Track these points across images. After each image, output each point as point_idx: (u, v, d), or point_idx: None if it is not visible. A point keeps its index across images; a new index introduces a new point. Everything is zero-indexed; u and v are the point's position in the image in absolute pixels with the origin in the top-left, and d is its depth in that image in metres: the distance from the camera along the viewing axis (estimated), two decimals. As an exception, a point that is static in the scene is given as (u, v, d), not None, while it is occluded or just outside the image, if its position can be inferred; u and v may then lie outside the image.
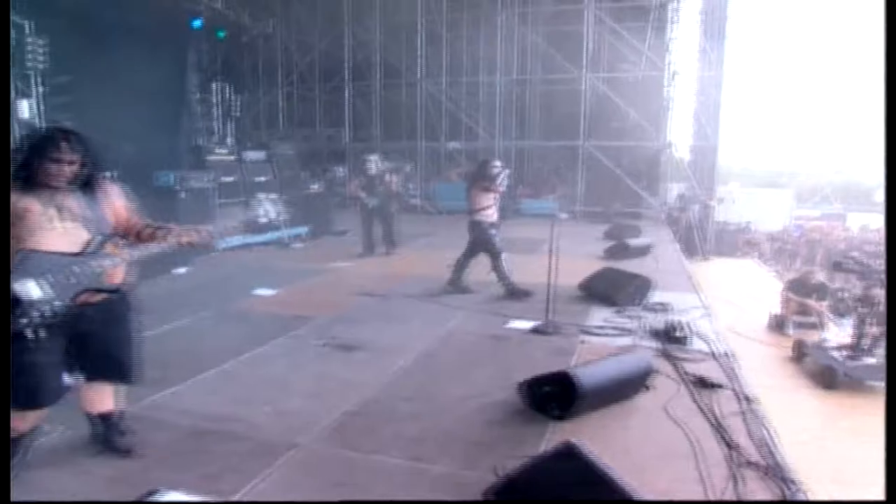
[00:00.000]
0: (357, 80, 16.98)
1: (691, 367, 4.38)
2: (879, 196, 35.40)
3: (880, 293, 6.65)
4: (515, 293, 6.54)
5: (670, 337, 4.93)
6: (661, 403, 3.77)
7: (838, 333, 7.58)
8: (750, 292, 11.78)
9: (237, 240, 9.81)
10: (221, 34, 15.57)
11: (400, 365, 4.48)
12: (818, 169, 38.90)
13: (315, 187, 12.27)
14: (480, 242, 6.73)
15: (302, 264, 8.72)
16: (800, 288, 8.42)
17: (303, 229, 11.40)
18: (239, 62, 17.00)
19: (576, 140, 15.02)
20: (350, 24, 16.51)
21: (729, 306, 9.94)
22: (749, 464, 3.02)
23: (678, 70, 14.70)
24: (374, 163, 9.47)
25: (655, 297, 6.41)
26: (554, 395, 3.51)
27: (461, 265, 6.91)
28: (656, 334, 5.07)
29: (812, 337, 7.70)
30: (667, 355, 4.64)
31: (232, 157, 10.04)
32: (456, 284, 6.84)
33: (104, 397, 3.00)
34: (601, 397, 3.55)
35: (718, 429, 3.41)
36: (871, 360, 6.32)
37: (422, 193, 16.79)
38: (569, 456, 2.47)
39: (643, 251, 9.24)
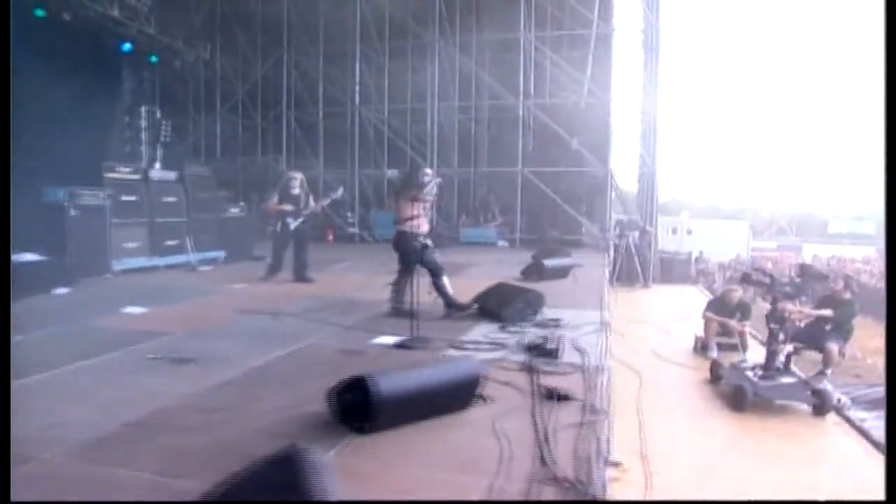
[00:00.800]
0: (298, 107, 16.68)
1: (554, 381, 3.95)
2: (834, 227, 36.17)
3: (791, 308, 6.35)
4: (455, 307, 6.14)
5: (540, 350, 4.50)
6: (495, 415, 3.32)
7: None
8: (685, 317, 11.41)
9: (140, 261, 9.30)
10: (153, 58, 15.24)
11: (225, 377, 3.99)
12: (774, 201, 39.63)
13: (235, 211, 11.80)
14: (407, 254, 6.10)
15: (197, 285, 8.21)
16: (720, 307, 8.08)
17: (218, 253, 10.90)
18: (174, 88, 16.63)
19: (514, 167, 14.80)
20: (290, 50, 16.29)
21: (659, 331, 9.61)
22: (554, 479, 2.56)
23: (618, 98, 14.62)
24: (300, 182, 8.92)
25: (556, 314, 6.03)
26: (357, 405, 3.03)
27: (399, 285, 6.22)
28: (528, 348, 4.63)
29: (732, 358, 7.32)
30: (528, 368, 4.21)
31: (136, 176, 9.51)
32: (398, 308, 6.05)
33: None
34: (411, 407, 3.08)
35: (540, 443, 2.96)
36: (787, 380, 5.93)
37: (359, 222, 16.40)
38: (285, 463, 2.00)
39: (562, 272, 8.88)
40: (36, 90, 10.33)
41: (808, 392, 5.70)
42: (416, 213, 6.11)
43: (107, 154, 10.74)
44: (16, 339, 4.61)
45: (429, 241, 6.17)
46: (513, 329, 5.36)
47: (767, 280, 5.71)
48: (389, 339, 4.98)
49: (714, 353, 7.73)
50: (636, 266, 13.93)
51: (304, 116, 16.74)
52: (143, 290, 7.60)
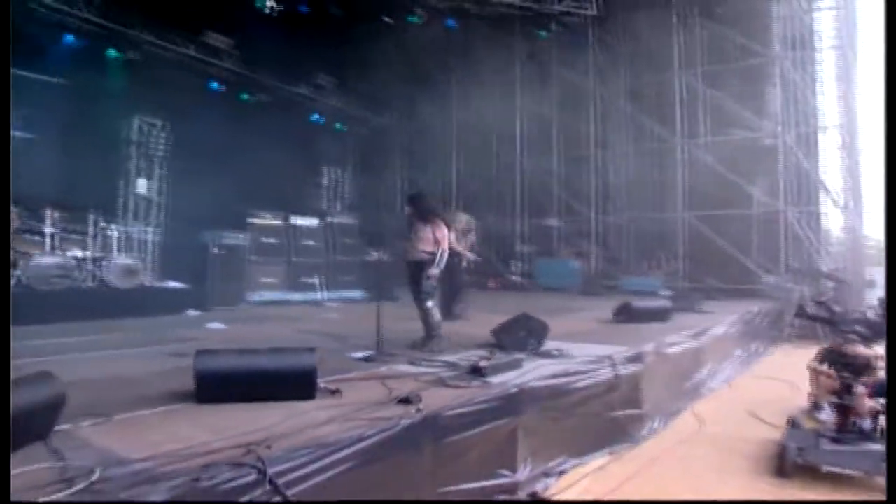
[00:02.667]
0: (468, 160, 17.66)
1: (449, 393, 3.81)
2: None
3: (866, 352, 4.99)
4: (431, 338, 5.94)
5: (474, 369, 4.30)
6: (322, 405, 3.36)
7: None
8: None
9: (275, 295, 10.69)
10: (340, 126, 17.62)
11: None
12: None
13: (377, 255, 12.87)
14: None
15: (301, 314, 9.17)
16: (837, 360, 6.53)
17: (356, 293, 11.98)
18: (365, 150, 18.82)
19: (673, 212, 13.77)
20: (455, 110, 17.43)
21: (787, 388, 8.03)
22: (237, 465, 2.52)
23: (794, 131, 12.83)
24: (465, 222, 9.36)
25: (572, 347, 5.63)
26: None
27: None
28: (472, 369, 4.43)
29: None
30: (441, 381, 4.09)
31: (278, 222, 11.06)
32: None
33: None
34: (233, 385, 3.31)
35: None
36: (858, 447, 4.70)
37: (523, 270, 16.55)
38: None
39: (656, 315, 8.05)
40: (237, 156, 12.84)
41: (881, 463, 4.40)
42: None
43: (287, 204, 12.70)
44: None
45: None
46: (496, 354, 5.13)
47: (826, 314, 4.62)
48: (359, 354, 5.17)
49: (825, 416, 6.28)
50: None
51: (474, 169, 17.62)
52: (250, 315, 8.78)
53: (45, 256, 7.83)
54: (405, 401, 3.42)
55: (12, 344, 4.47)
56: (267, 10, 12.10)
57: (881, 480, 4.38)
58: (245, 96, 14.80)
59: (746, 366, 8.96)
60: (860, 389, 4.86)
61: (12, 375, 2.57)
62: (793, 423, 5.44)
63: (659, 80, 14.19)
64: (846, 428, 4.82)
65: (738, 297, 12.04)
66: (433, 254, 6.00)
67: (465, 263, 9.01)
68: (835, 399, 5.52)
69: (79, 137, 11.44)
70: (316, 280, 11.09)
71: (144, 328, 7.13)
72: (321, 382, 3.67)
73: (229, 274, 9.81)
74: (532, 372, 4.48)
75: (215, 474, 2.30)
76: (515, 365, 4.59)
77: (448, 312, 8.46)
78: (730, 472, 4.83)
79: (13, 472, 2.25)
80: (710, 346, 7.52)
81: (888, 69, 2.78)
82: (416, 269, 6.05)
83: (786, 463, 4.62)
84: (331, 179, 15.94)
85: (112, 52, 12.25)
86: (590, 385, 4.74)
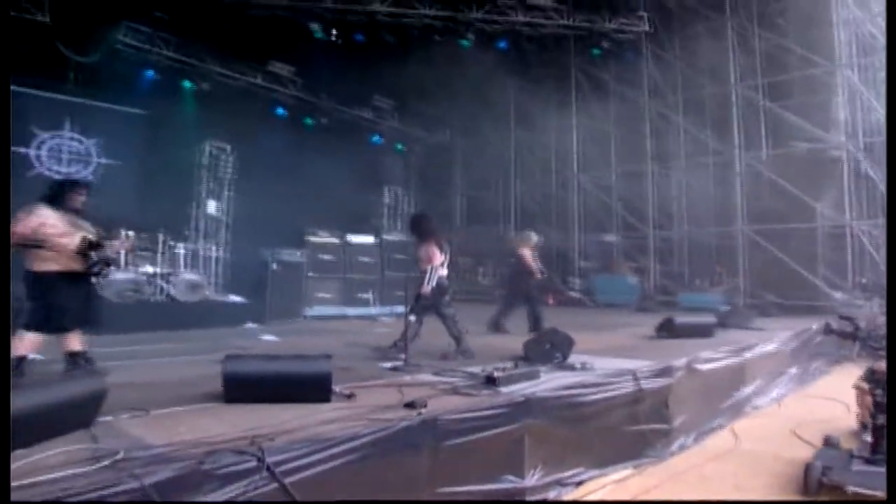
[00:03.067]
0: (526, 178, 17.84)
1: (459, 400, 4.04)
2: None
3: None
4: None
5: (488, 379, 4.50)
6: (335, 407, 3.66)
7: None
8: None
9: (331, 310, 11.18)
10: (400, 147, 18.20)
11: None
12: None
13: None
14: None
15: (353, 328, 9.57)
16: (873, 378, 6.26)
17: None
18: (424, 168, 19.33)
19: (733, 227, 13.45)
20: (516, 130, 17.66)
21: (840, 409, 7.75)
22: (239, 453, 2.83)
23: (861, 142, 12.32)
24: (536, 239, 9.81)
25: (597, 361, 5.72)
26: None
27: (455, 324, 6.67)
28: (487, 378, 4.61)
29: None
30: (454, 389, 4.32)
31: (335, 240, 11.59)
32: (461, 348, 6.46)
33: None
34: (257, 388, 3.66)
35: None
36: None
37: (581, 286, 16.52)
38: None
39: (700, 331, 7.95)
40: (300, 177, 13.58)
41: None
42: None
43: (346, 223, 13.30)
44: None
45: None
46: (519, 366, 5.29)
47: (850, 329, 4.55)
48: (389, 364, 5.47)
49: (868, 436, 6.06)
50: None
51: (532, 186, 17.78)
52: (305, 328, 9.26)
53: (120, 273, 8.58)
54: (410, 405, 3.66)
55: (90, 349, 5.11)
56: (324, 37, 12.72)
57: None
58: (308, 121, 15.62)
59: (802, 384, 8.65)
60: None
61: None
62: (827, 442, 5.34)
63: (716, 93, 13.96)
64: (880, 448, 4.70)
65: (801, 314, 11.61)
66: (426, 272, 6.44)
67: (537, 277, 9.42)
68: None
69: (155, 163, 12.47)
70: (370, 295, 11.53)
71: (204, 338, 7.68)
72: (338, 387, 3.97)
73: (287, 289, 10.37)
74: (546, 383, 4.63)
75: (218, 459, 2.62)
76: (532, 376, 4.75)
77: (496, 325, 8.80)
78: (753, 489, 4.78)
79: (54, 450, 2.65)
80: (755, 364, 7.36)
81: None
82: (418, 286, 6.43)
83: (809, 481, 4.55)
84: (391, 198, 16.44)
85: (186, 84, 13.27)
86: (605, 398, 4.82)
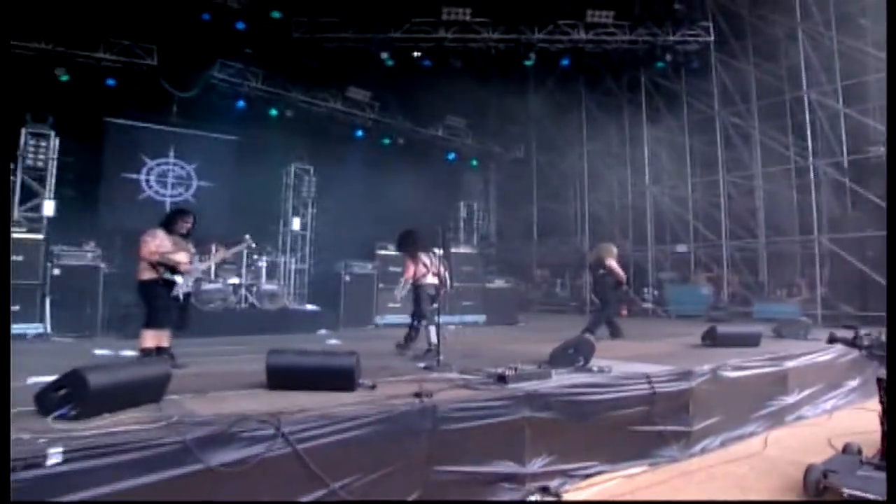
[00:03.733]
0: (595, 191, 18.03)
1: (466, 393, 4.63)
2: None
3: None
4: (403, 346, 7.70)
5: (499, 377, 5.02)
6: (357, 395, 4.34)
7: None
8: None
9: (399, 318, 11.94)
10: (474, 163, 18.89)
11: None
12: None
13: (500, 283, 13.79)
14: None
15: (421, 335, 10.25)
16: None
17: (479, 317, 12.97)
18: (502, 183, 19.94)
19: (809, 235, 13.11)
20: (585, 142, 17.91)
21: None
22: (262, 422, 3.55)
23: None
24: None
25: (619, 365, 6.11)
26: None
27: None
28: (498, 376, 5.11)
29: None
30: (466, 384, 4.90)
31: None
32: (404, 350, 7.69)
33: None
34: (294, 378, 4.42)
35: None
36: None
37: (654, 297, 16.51)
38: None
39: (745, 340, 8.03)
40: (379, 194, 14.58)
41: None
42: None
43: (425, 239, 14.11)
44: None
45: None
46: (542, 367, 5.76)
47: (850, 337, 4.74)
48: (422, 363, 6.12)
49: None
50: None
51: (606, 198, 17.94)
52: (373, 335, 10.06)
53: (209, 283, 9.76)
54: (418, 395, 4.27)
55: (178, 349, 6.10)
56: (393, 64, 13.66)
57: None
58: (386, 141, 16.65)
59: (865, 397, 8.46)
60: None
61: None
62: (846, 449, 5.43)
63: (790, 99, 13.67)
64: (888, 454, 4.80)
65: (881, 325, 11.16)
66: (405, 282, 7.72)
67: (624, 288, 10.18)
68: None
69: (246, 184, 13.82)
70: (435, 305, 12.17)
71: (278, 342, 8.60)
72: (363, 380, 4.65)
73: (359, 299, 11.26)
74: (554, 382, 5.09)
75: (244, 426, 3.36)
76: (543, 376, 5.22)
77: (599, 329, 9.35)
78: (756, 490, 5.01)
79: (129, 414, 3.48)
80: (798, 373, 7.38)
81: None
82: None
83: (807, 483, 4.74)
84: (466, 212, 17.13)
85: (273, 112, 14.62)
86: (614, 398, 5.22)
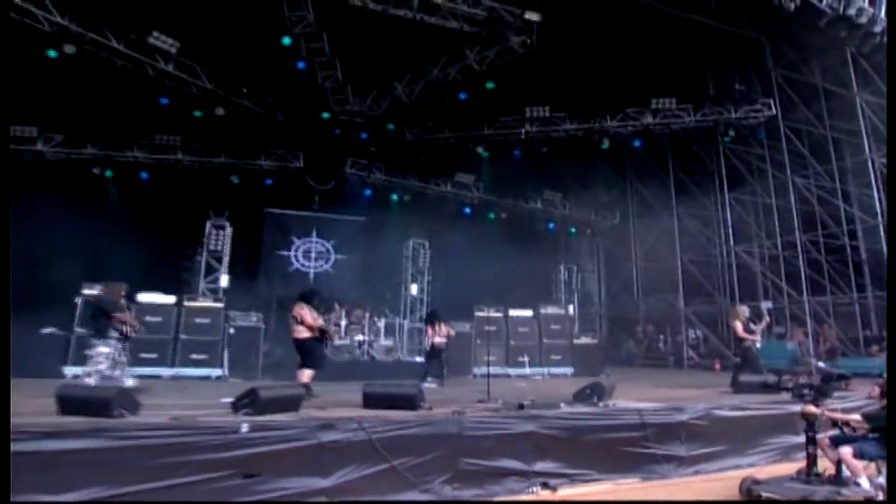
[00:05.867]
0: (687, 250, 19.29)
1: (489, 414, 6.87)
2: None
3: (814, 411, 6.25)
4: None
5: (519, 405, 7.19)
6: (417, 413, 6.73)
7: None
8: None
9: (495, 370, 14.12)
10: (572, 230, 20.97)
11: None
12: None
13: (586, 339, 15.64)
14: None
15: (508, 383, 12.43)
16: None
17: (567, 369, 14.84)
18: (608, 248, 21.79)
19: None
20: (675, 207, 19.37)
21: None
22: (350, 420, 6.08)
23: None
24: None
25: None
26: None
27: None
28: (518, 405, 7.26)
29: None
30: (495, 409, 7.13)
31: (498, 314, 14.61)
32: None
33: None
34: (377, 399, 6.94)
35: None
36: (811, 487, 6.17)
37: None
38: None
39: (764, 388, 9.38)
40: (485, 262, 17.13)
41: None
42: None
43: (527, 299, 16.37)
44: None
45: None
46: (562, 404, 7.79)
47: (775, 381, 6.41)
48: (477, 398, 8.37)
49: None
50: None
51: (697, 257, 19.14)
52: (469, 382, 12.33)
53: (339, 339, 12.68)
54: (456, 412, 6.58)
55: (317, 387, 8.82)
56: (487, 155, 16.40)
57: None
58: (491, 216, 19.31)
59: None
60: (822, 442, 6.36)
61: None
62: (799, 472, 6.90)
63: (854, 161, 14.56)
64: (810, 472, 6.34)
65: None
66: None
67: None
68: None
69: (372, 257, 16.98)
70: (526, 358, 14.35)
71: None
72: (426, 404, 7.04)
73: (459, 352, 13.60)
74: (560, 411, 7.15)
75: (340, 423, 5.88)
76: (553, 406, 7.29)
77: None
78: (712, 496, 6.67)
79: (279, 417, 6.12)
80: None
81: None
82: None
83: (741, 488, 6.38)
84: (566, 275, 19.14)
85: (394, 197, 17.84)
86: (605, 424, 7.14)
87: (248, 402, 6.12)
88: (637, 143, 16.13)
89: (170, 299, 11.81)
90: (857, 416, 6.45)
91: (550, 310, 15.57)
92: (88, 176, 14.27)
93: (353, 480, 5.78)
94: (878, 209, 14.04)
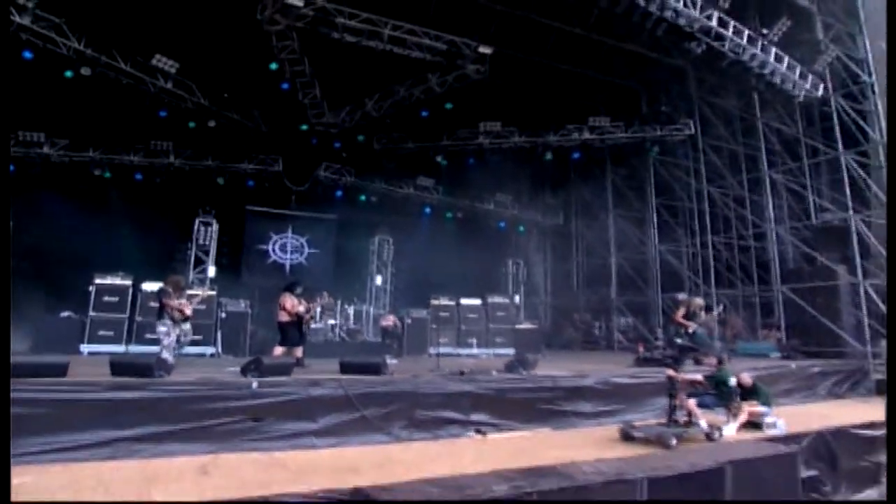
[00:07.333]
0: (621, 248, 21.76)
1: (437, 378, 9.04)
2: None
3: (672, 374, 8.63)
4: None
5: (461, 372, 9.38)
6: (383, 377, 8.87)
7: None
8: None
9: (448, 349, 16.35)
10: (521, 229, 23.28)
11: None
12: None
13: (525, 325, 17.95)
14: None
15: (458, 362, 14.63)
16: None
17: (508, 350, 17.09)
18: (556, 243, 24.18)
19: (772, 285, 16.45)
20: (611, 209, 21.83)
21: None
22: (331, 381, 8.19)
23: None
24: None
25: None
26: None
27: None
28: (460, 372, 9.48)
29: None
30: (441, 375, 9.31)
31: (451, 302, 16.81)
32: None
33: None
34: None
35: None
36: (660, 428, 8.48)
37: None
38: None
39: (661, 363, 11.80)
40: (443, 258, 19.22)
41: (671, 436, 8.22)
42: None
43: (475, 289, 18.55)
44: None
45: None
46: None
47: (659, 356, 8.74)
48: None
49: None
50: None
51: (629, 254, 21.61)
52: (423, 360, 14.49)
53: (315, 324, 14.69)
54: (415, 375, 8.72)
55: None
56: (445, 163, 18.57)
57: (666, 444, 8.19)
58: (448, 215, 21.46)
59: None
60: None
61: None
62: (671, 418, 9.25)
63: (754, 177, 17.20)
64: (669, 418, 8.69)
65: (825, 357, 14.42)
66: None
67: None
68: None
69: (342, 251, 18.99)
70: (474, 340, 16.58)
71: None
72: (391, 369, 9.18)
73: (417, 336, 15.77)
74: (492, 377, 9.38)
75: (324, 383, 7.98)
76: (487, 373, 9.51)
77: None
78: (602, 447, 8.89)
79: (277, 377, 8.18)
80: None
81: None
82: None
83: (620, 431, 8.68)
84: (514, 269, 21.47)
85: (362, 197, 19.85)
86: (525, 387, 9.39)
87: (255, 368, 8.17)
88: (576, 156, 18.47)
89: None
90: (700, 377, 8.90)
91: (497, 299, 17.78)
92: (90, 177, 15.91)
93: (335, 425, 7.87)
94: (771, 215, 16.66)
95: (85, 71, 12.47)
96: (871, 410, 11.76)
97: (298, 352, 10.78)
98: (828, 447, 9.58)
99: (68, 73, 12.60)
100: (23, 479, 5.13)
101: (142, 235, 15.47)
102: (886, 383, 6.71)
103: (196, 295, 10.47)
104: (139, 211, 16.00)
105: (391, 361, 12.99)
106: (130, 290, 12.89)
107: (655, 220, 20.14)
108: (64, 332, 12.17)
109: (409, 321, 16.02)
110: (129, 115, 14.95)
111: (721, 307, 17.07)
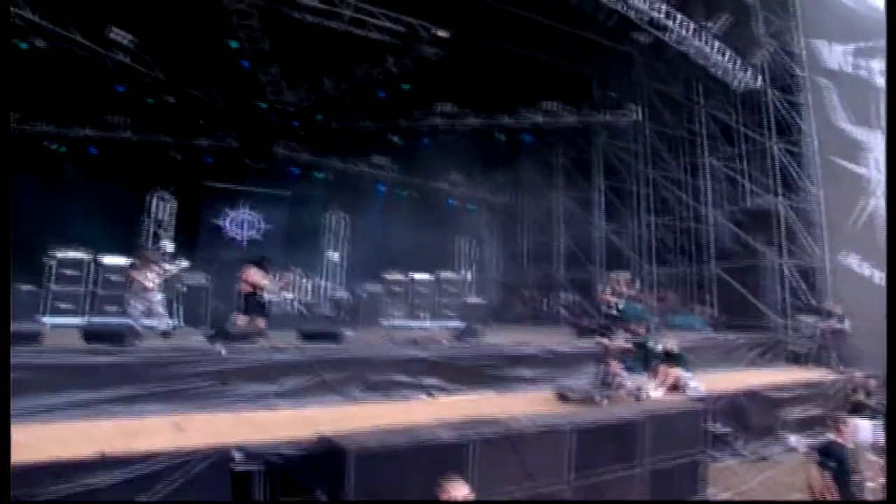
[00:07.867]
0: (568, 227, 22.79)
1: (392, 347, 9.76)
2: None
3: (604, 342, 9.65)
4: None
5: (414, 341, 10.13)
6: (341, 345, 9.54)
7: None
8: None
9: (401, 322, 17.10)
10: (472, 207, 24.10)
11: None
12: None
13: (475, 300, 18.82)
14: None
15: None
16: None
17: (458, 324, 17.95)
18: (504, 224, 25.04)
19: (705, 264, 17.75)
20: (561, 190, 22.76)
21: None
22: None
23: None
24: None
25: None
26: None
27: None
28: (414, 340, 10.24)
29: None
30: (396, 344, 10.04)
31: (404, 277, 17.50)
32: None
33: None
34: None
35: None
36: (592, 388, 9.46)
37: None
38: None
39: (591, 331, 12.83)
40: (396, 233, 19.82)
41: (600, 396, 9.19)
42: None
43: (425, 265, 19.23)
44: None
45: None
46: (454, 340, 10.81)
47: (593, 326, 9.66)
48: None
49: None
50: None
51: (575, 234, 22.64)
52: (381, 333, 15.19)
53: (273, 296, 15.19)
54: (369, 344, 9.42)
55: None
56: (402, 143, 19.15)
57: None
58: (402, 193, 22.05)
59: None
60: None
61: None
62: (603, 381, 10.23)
63: (694, 162, 18.37)
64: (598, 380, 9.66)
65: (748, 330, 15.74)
66: None
67: None
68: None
69: (298, 227, 19.43)
70: (426, 314, 17.34)
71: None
72: (349, 336, 9.85)
73: (370, 309, 16.43)
74: (442, 346, 10.16)
75: (287, 350, 8.62)
76: (439, 342, 10.29)
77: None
78: (540, 406, 9.80)
79: (240, 343, 8.76)
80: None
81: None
82: None
83: (556, 393, 9.61)
84: (465, 246, 22.29)
85: (318, 175, 20.26)
86: (472, 355, 10.22)
87: (221, 335, 8.75)
88: (528, 138, 19.29)
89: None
90: (629, 345, 9.92)
91: (448, 274, 18.57)
92: (44, 151, 15.84)
93: (296, 387, 8.53)
94: (709, 199, 17.89)
95: (40, 43, 12.48)
96: (782, 375, 13.20)
97: (261, 322, 11.28)
98: (741, 406, 10.81)
99: (24, 45, 12.57)
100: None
101: (98, 210, 15.53)
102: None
103: (169, 270, 10.82)
104: (95, 185, 16.07)
105: (348, 333, 13.81)
106: (90, 264, 13.10)
107: (602, 201, 21.14)
108: (24, 304, 12.32)
109: (364, 295, 16.66)
110: (86, 90, 14.93)
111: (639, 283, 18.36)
